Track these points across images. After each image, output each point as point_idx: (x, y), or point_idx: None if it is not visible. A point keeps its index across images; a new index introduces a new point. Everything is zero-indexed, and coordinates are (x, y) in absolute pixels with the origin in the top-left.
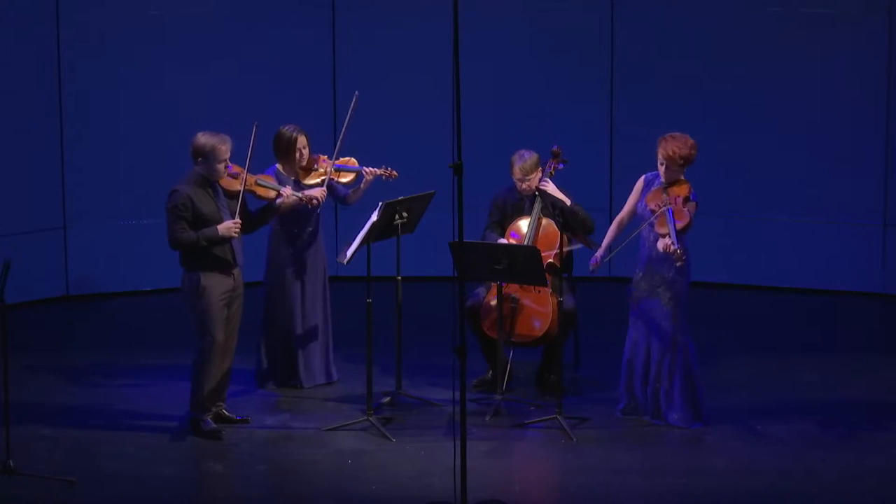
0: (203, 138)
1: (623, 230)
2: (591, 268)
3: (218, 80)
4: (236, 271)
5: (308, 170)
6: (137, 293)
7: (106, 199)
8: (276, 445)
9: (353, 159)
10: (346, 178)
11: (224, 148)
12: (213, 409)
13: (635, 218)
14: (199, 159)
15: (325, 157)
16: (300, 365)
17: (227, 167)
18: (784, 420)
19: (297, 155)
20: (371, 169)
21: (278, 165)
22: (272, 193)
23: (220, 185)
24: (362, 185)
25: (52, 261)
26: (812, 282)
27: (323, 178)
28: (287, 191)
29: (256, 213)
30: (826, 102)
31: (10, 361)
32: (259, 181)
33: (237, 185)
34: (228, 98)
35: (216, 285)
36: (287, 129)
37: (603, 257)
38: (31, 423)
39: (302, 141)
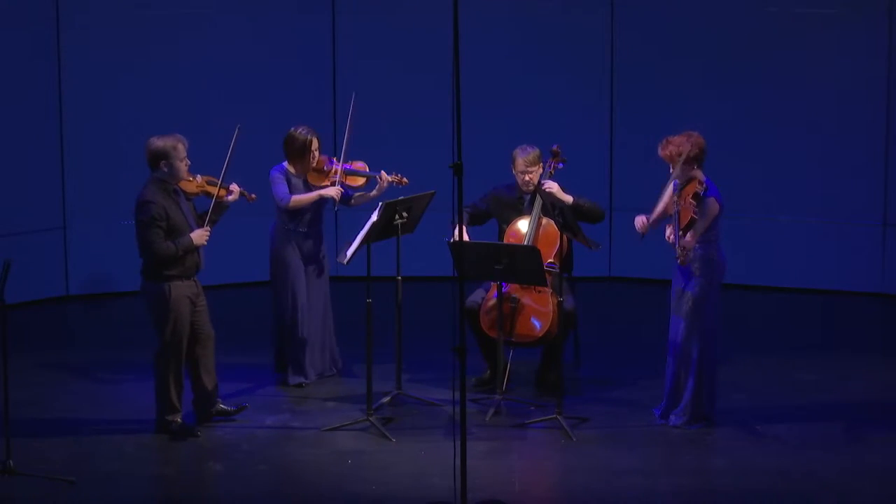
0: (160, 141)
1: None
2: (640, 231)
3: (218, 80)
4: (196, 278)
5: (318, 171)
6: (137, 293)
7: (106, 199)
8: (276, 445)
9: (363, 164)
10: (356, 183)
11: (181, 146)
12: (212, 410)
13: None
14: (162, 163)
15: (336, 160)
16: (312, 358)
17: (187, 165)
18: (784, 420)
19: (310, 157)
20: (386, 175)
21: (287, 165)
22: (222, 192)
23: (179, 188)
24: (374, 192)
25: (52, 261)
26: (812, 282)
27: (333, 179)
28: (235, 187)
29: (208, 213)
30: (826, 102)
31: (10, 361)
32: (209, 180)
33: (193, 188)
34: (228, 98)
35: (183, 296)
36: (300, 132)
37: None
38: (31, 423)
39: (315, 143)
